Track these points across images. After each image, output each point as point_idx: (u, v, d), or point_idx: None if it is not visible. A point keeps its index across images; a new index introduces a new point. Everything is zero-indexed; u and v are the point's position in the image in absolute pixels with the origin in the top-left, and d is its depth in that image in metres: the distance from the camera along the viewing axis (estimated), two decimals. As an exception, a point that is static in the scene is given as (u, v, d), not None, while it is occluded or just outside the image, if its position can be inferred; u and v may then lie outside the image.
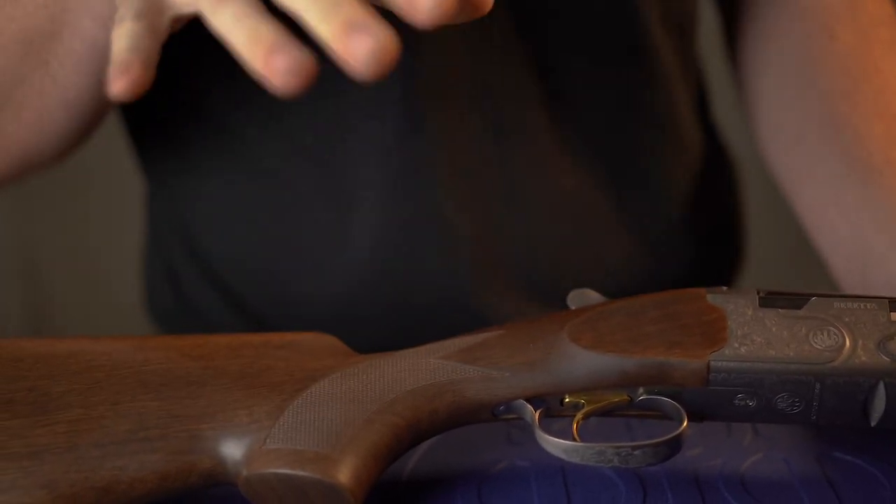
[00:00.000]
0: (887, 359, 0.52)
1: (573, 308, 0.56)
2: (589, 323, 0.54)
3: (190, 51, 0.67)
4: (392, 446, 0.52)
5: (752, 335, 0.53)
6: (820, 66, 0.76)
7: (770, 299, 0.54)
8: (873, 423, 0.53)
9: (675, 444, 0.52)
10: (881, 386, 0.52)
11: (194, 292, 0.83)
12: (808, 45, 0.77)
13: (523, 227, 0.77)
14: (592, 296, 0.56)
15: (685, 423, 0.52)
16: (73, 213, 1.64)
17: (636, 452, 0.51)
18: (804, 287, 0.56)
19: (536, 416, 0.53)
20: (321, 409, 0.52)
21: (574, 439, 0.52)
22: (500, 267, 0.77)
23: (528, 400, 0.53)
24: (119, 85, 0.48)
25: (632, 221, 0.81)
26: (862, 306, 0.53)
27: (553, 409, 0.54)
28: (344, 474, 0.50)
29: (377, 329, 0.77)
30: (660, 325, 0.54)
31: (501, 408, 0.54)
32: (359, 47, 0.44)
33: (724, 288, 0.55)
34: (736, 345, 0.52)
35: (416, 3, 0.45)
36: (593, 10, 0.74)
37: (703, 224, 0.87)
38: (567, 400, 0.53)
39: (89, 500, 0.50)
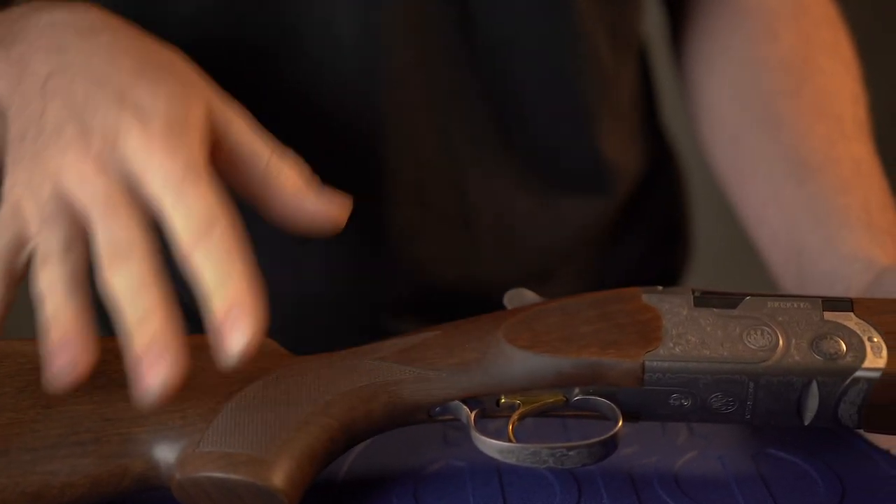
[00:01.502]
0: (820, 358, 0.52)
1: (509, 308, 0.56)
2: (525, 323, 0.54)
3: None
4: (327, 448, 0.52)
5: (686, 335, 0.53)
6: (762, 66, 0.77)
7: (705, 299, 0.54)
8: (807, 422, 0.53)
9: (610, 444, 0.52)
10: (814, 385, 0.52)
11: None
12: (752, 45, 0.78)
13: (474, 252, 0.77)
14: (529, 295, 0.56)
15: (620, 423, 0.52)
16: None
17: (571, 453, 0.51)
18: (748, 287, 0.56)
19: (472, 417, 0.53)
20: (255, 411, 0.52)
21: (510, 440, 0.52)
22: (449, 288, 0.77)
23: (464, 401, 0.53)
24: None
25: (576, 233, 0.81)
26: (795, 305, 0.54)
27: (489, 409, 0.54)
28: (278, 477, 0.50)
29: (326, 340, 0.77)
30: (595, 324, 0.54)
31: (437, 409, 0.54)
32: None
33: (660, 287, 0.55)
34: (671, 344, 0.53)
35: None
36: (545, 35, 0.74)
37: (649, 228, 0.87)
38: (503, 401, 0.53)
39: (20, 505, 0.50)
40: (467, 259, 0.77)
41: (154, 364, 0.46)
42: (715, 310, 0.54)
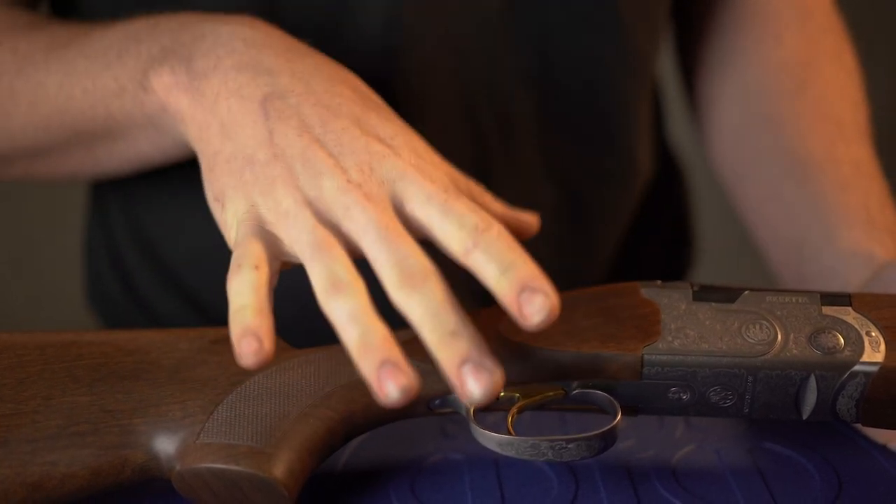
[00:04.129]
0: (818, 352, 0.52)
1: (509, 302, 0.56)
2: (524, 317, 0.54)
3: None
4: (326, 440, 0.52)
5: (685, 329, 0.53)
6: (766, 70, 0.77)
7: (703, 293, 0.54)
8: (805, 416, 0.54)
9: (608, 438, 0.52)
10: (812, 379, 0.52)
11: (145, 287, 0.82)
12: (756, 49, 0.78)
13: None
14: (528, 290, 0.56)
15: (619, 417, 0.52)
16: (12, 203, 1.62)
17: (570, 446, 0.51)
18: (750, 283, 0.56)
19: (471, 410, 0.53)
20: (256, 403, 0.52)
21: (508, 433, 0.52)
22: (461, 284, 0.78)
23: (463, 393, 0.53)
24: (248, 354, 0.49)
25: (591, 237, 0.82)
26: (794, 300, 0.54)
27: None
28: (278, 469, 0.50)
29: (330, 333, 0.76)
30: (595, 319, 0.54)
31: (437, 401, 0.54)
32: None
33: (659, 282, 0.55)
34: (669, 338, 0.53)
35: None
36: (588, 24, 0.74)
37: (657, 229, 0.87)
38: (502, 394, 0.54)
39: (20, 496, 0.50)
40: None
41: (470, 376, 0.47)
42: (714, 304, 0.54)
